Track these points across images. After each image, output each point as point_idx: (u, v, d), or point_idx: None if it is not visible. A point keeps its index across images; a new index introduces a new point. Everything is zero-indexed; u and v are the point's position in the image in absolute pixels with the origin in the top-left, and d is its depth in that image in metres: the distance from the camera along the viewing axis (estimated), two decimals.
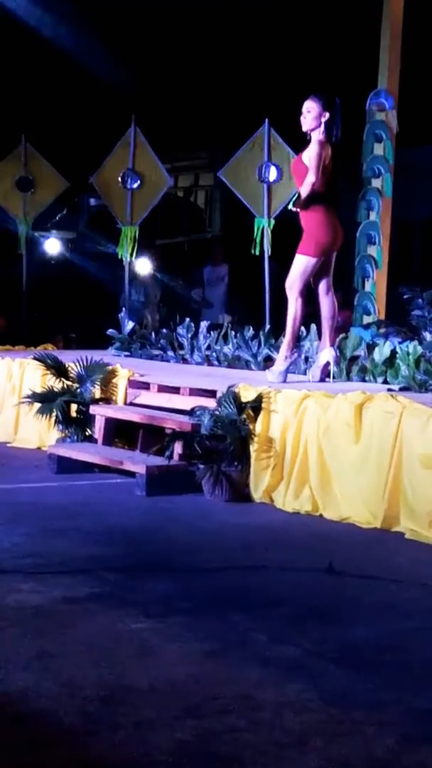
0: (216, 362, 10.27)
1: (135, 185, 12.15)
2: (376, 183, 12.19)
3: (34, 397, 9.15)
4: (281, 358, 8.63)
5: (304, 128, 8.45)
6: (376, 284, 12.07)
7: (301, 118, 8.48)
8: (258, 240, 11.28)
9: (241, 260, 13.71)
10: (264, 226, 11.28)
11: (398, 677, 4.11)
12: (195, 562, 5.82)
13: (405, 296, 10.00)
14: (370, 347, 8.95)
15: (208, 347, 10.41)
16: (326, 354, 8.61)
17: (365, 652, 4.43)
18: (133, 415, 8.65)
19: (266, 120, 11.28)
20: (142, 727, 3.56)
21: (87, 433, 8.90)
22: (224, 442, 7.54)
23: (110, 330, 11.41)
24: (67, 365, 9.29)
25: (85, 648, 4.32)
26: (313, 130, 8.40)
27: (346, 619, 4.87)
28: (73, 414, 9.01)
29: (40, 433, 9.45)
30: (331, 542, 6.40)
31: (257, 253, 11.25)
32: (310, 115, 8.38)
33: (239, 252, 12.52)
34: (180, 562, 5.83)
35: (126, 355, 10.99)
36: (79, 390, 9.10)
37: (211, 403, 7.95)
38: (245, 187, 11.61)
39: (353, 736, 3.54)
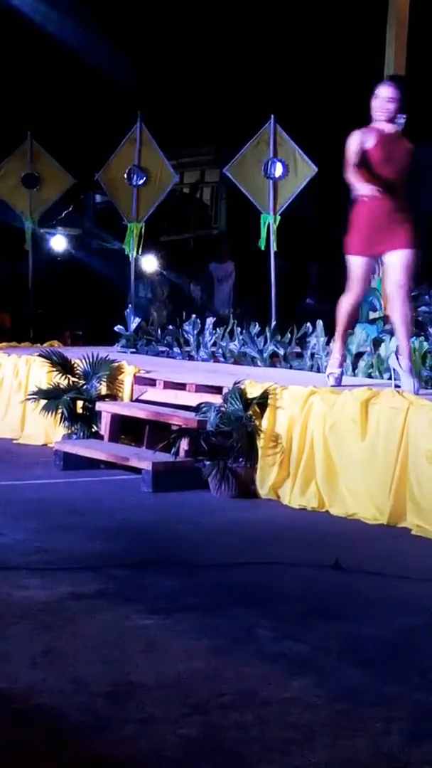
0: (222, 359, 10.27)
1: (141, 182, 12.15)
2: None
3: (40, 393, 9.15)
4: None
5: (385, 117, 7.70)
6: (382, 280, 12.04)
7: (381, 108, 7.69)
8: (264, 236, 11.28)
9: (247, 256, 13.71)
10: (269, 222, 11.27)
11: (405, 673, 4.10)
12: (201, 559, 5.81)
13: (411, 293, 9.97)
14: (377, 343, 8.94)
15: (214, 344, 10.41)
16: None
17: (372, 648, 4.42)
18: (139, 412, 8.65)
19: (272, 116, 11.26)
20: (149, 723, 3.55)
21: (93, 430, 8.90)
22: (230, 438, 7.54)
23: (118, 327, 11.42)
24: (73, 362, 9.30)
25: (91, 644, 4.33)
26: (393, 119, 7.71)
27: (352, 616, 4.87)
28: (79, 410, 9.02)
29: (46, 430, 9.45)
30: (338, 538, 6.40)
31: (263, 247, 11.25)
32: (394, 104, 7.66)
33: (245, 248, 12.52)
34: (186, 558, 5.83)
35: (132, 352, 10.99)
36: (85, 387, 9.10)
37: (217, 399, 7.95)
38: (251, 184, 11.60)
39: (360, 732, 3.53)
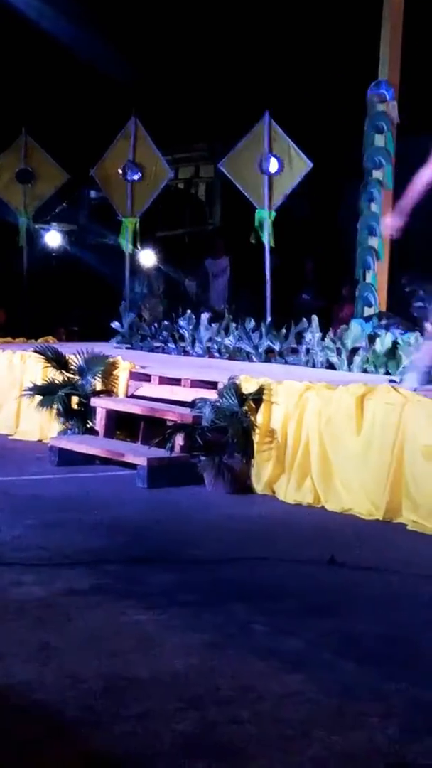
0: (217, 354, 10.26)
1: (135, 177, 12.14)
2: (377, 174, 12.16)
3: (36, 389, 9.14)
4: None
5: None
6: (377, 276, 12.05)
7: None
8: (258, 231, 11.27)
9: (242, 252, 13.70)
10: (265, 217, 11.26)
11: (401, 669, 4.10)
12: (196, 554, 5.81)
13: (406, 288, 9.99)
14: (372, 338, 8.95)
15: (210, 339, 10.40)
16: None
17: (368, 644, 4.42)
18: (134, 407, 8.65)
19: (267, 111, 11.25)
20: (144, 718, 3.55)
21: (88, 426, 8.89)
22: (226, 434, 7.53)
23: (113, 322, 11.41)
24: (68, 358, 9.29)
25: (87, 640, 4.32)
26: None
27: (348, 611, 4.86)
28: (74, 406, 9.01)
29: (41, 426, 9.45)
30: (333, 534, 6.40)
31: (259, 241, 11.24)
32: None
33: (240, 244, 12.51)
34: (181, 553, 5.82)
35: (127, 348, 10.98)
36: (80, 382, 9.09)
37: (212, 394, 7.95)
38: (246, 179, 11.60)
39: (356, 727, 3.53)
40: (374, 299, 11.92)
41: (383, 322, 10.29)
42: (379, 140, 12.17)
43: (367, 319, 10.86)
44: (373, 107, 12.17)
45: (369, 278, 12.08)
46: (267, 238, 11.24)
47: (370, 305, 11.89)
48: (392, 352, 8.55)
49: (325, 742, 3.42)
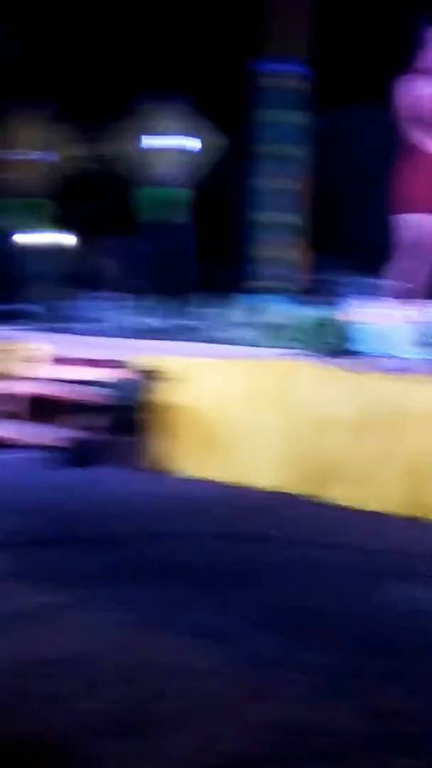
0: (127, 333, 10.19)
1: (36, 157, 12.03)
2: (266, 149, 12.14)
3: None
4: None
5: None
6: (282, 250, 12.09)
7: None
8: (146, 208, 11.29)
9: (152, 230, 13.66)
10: (154, 195, 11.27)
11: (318, 639, 4.10)
12: (111, 534, 5.77)
13: (316, 263, 10.06)
14: (278, 313, 8.97)
15: (119, 318, 10.35)
16: None
17: (283, 616, 4.40)
18: (42, 389, 8.57)
19: (156, 89, 11.24)
20: (56, 699, 3.47)
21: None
22: (138, 413, 7.51)
23: (16, 305, 11.28)
24: None
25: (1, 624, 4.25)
26: None
27: (263, 584, 4.86)
28: None
29: None
30: (256, 510, 6.41)
31: (146, 218, 11.25)
32: None
33: (145, 222, 12.48)
34: (97, 533, 5.78)
35: (35, 330, 10.85)
36: None
37: (123, 374, 7.91)
38: (155, 157, 11.59)
39: (277, 698, 3.50)
40: (264, 273, 11.91)
41: (292, 296, 10.35)
42: (283, 114, 12.20)
43: (277, 293, 10.89)
44: (277, 81, 12.19)
45: (259, 252, 12.06)
46: (150, 213, 11.22)
47: (260, 279, 11.90)
48: (301, 326, 8.56)
49: (246, 716, 3.39)
